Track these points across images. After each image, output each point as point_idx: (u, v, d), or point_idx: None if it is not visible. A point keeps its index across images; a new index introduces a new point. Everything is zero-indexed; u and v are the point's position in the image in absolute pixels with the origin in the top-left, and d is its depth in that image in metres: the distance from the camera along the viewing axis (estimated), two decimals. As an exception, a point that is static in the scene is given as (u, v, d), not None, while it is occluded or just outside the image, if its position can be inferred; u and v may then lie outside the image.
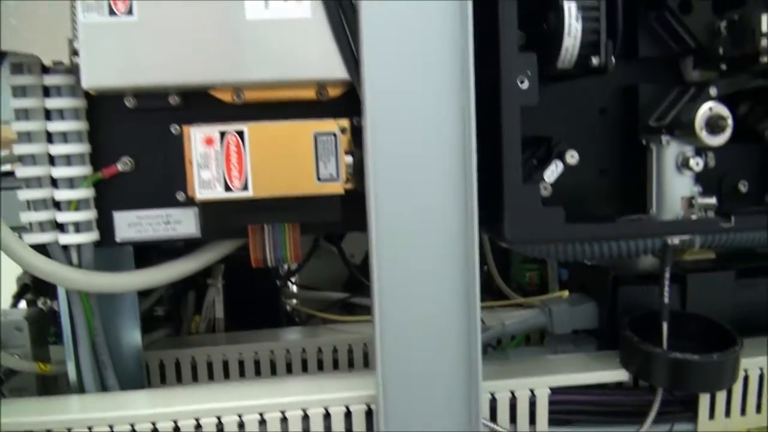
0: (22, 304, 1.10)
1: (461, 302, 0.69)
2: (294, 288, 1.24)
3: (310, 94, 0.75)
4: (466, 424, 0.71)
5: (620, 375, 0.80)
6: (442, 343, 0.69)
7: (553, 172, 0.72)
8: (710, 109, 0.73)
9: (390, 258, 0.69)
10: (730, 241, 0.90)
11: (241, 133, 0.70)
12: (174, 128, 0.75)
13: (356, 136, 0.72)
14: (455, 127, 0.66)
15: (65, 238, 0.76)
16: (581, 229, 0.71)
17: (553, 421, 0.79)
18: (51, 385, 0.95)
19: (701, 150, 0.77)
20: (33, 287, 1.09)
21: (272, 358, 0.99)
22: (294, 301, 1.19)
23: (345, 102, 0.75)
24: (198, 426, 0.74)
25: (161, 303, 1.07)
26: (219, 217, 0.73)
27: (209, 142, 0.70)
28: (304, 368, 1.00)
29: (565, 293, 0.97)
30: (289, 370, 1.00)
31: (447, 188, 0.67)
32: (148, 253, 0.88)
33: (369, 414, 0.75)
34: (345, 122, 0.72)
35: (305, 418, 0.75)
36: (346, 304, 1.15)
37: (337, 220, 0.73)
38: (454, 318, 0.69)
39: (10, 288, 1.11)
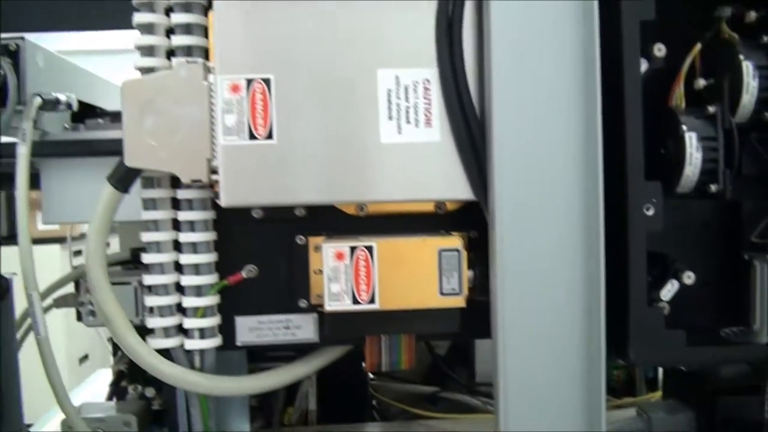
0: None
1: (584, 409, 0.70)
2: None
3: (429, 207, 0.79)
4: None
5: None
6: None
7: (669, 291, 0.74)
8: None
9: (515, 373, 0.71)
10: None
11: (370, 249, 0.73)
12: (299, 239, 0.79)
13: (473, 249, 0.76)
14: (583, 250, 0.69)
15: (190, 344, 0.79)
16: (702, 352, 0.73)
17: None
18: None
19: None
20: (128, 374, 1.12)
21: (368, 454, 1.01)
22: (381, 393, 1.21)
23: (461, 216, 0.79)
24: None
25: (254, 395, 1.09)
26: (343, 327, 0.76)
27: (340, 256, 0.73)
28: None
29: (657, 395, 0.98)
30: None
31: (573, 310, 0.69)
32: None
33: None
34: (464, 238, 0.76)
35: None
36: (433, 397, 1.17)
37: (456, 332, 0.76)
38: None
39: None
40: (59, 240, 3.33)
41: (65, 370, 2.04)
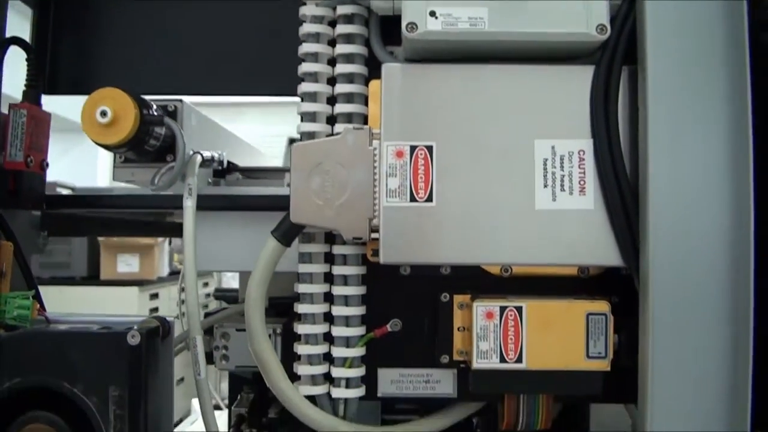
0: None
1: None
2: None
3: (572, 271, 0.82)
4: None
5: None
6: None
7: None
8: None
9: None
10: None
11: (519, 309, 0.77)
12: (444, 296, 0.83)
13: (615, 313, 0.78)
14: (730, 319, 0.71)
15: (337, 392, 0.83)
16: None
17: None
18: None
19: None
20: (248, 419, 1.16)
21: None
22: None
23: (603, 281, 0.82)
24: None
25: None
26: (488, 383, 0.79)
27: (490, 315, 0.77)
28: None
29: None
30: None
31: (719, 383, 0.71)
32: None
33: None
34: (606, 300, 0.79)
35: None
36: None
37: (597, 395, 0.78)
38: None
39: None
40: (138, 283, 3.45)
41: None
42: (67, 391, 0.76)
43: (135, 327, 0.76)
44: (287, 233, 0.81)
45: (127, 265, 3.50)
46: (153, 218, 1.26)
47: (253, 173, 1.14)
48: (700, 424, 0.72)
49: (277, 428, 1.16)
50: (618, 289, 0.81)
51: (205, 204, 0.91)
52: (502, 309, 0.77)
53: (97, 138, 0.84)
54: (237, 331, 0.93)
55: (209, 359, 0.97)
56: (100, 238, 3.37)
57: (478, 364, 0.77)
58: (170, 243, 3.73)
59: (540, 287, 0.81)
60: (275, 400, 1.17)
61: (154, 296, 3.63)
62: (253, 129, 3.67)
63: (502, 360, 0.77)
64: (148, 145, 0.88)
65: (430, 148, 0.77)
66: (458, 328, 0.82)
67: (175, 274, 3.69)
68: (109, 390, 0.75)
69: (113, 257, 3.49)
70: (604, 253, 0.77)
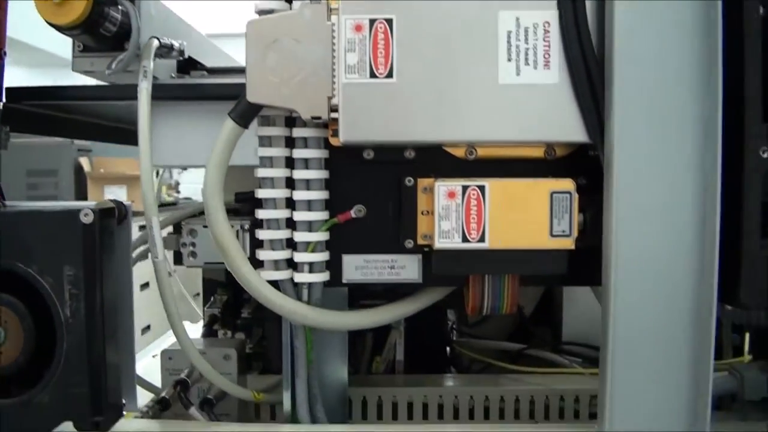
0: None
1: (692, 361, 0.71)
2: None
3: (538, 153, 0.80)
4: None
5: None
6: (671, 400, 0.72)
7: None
8: None
9: (623, 313, 0.72)
10: None
11: (482, 188, 0.75)
12: (408, 180, 0.81)
13: (582, 195, 0.77)
14: (699, 193, 0.69)
15: (300, 277, 0.82)
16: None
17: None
18: (246, 413, 1.01)
19: None
20: (221, 319, 1.16)
21: (455, 404, 1.03)
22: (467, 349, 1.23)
23: (570, 162, 0.80)
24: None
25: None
26: (451, 265, 0.78)
27: (451, 195, 0.75)
28: (486, 416, 1.04)
29: (747, 358, 0.98)
30: (470, 416, 1.04)
31: (686, 250, 0.70)
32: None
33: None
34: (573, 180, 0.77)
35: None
36: (516, 354, 1.18)
37: (562, 274, 0.77)
38: (684, 377, 0.71)
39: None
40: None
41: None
42: (23, 272, 0.75)
43: (88, 206, 0.74)
44: (244, 114, 0.79)
45: (114, 197, 3.47)
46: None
47: (220, 72, 1.11)
48: (663, 300, 0.71)
49: (251, 328, 1.16)
50: (585, 170, 0.79)
51: (164, 93, 0.89)
52: (464, 188, 0.75)
53: (50, 17, 0.81)
54: (204, 228, 0.92)
55: (178, 259, 0.96)
56: (87, 170, 3.34)
57: (440, 243, 0.76)
58: (158, 174, 3.71)
59: (506, 170, 0.79)
60: (249, 300, 1.17)
61: (142, 228, 3.61)
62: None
63: (465, 240, 0.75)
64: (104, 28, 0.85)
65: (390, 22, 0.74)
66: (422, 212, 0.80)
67: (163, 206, 3.67)
68: (63, 269, 0.74)
69: (100, 189, 3.47)
70: (569, 128, 0.75)
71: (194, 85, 0.95)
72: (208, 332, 1.15)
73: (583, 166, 0.79)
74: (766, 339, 1.00)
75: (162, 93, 0.89)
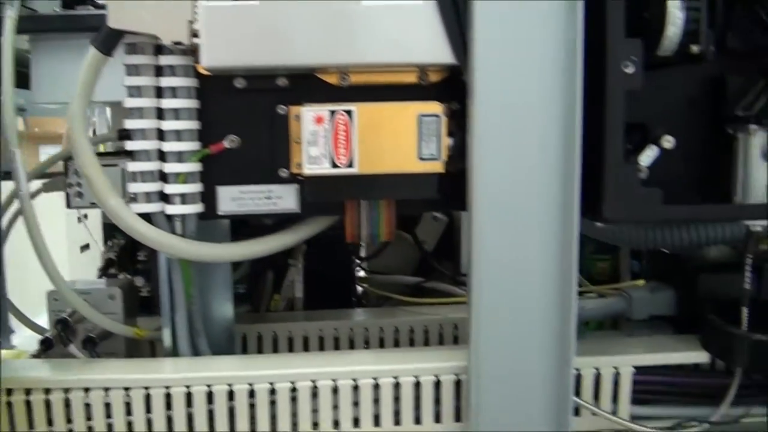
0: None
1: (557, 278, 0.72)
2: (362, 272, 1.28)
3: (411, 78, 0.78)
4: (556, 398, 0.74)
5: (701, 357, 0.83)
6: (536, 319, 0.72)
7: (648, 156, 0.75)
8: (798, 98, 0.75)
9: (488, 236, 0.72)
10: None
11: (349, 113, 0.74)
12: (281, 108, 0.79)
13: (454, 120, 0.76)
14: (561, 111, 0.69)
15: (171, 209, 0.80)
16: (677, 210, 0.74)
17: (633, 400, 0.82)
18: (138, 352, 0.99)
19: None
20: (117, 263, 1.14)
21: (351, 336, 1.03)
22: (368, 284, 1.23)
23: (445, 87, 0.79)
24: (294, 389, 0.78)
25: (242, 281, 1.11)
26: (322, 192, 0.77)
27: (319, 120, 0.74)
28: (382, 347, 1.04)
29: (641, 282, 0.99)
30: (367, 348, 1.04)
31: (550, 170, 0.70)
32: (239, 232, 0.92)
33: (457, 384, 0.78)
34: (446, 106, 0.76)
35: (396, 386, 0.78)
36: (420, 288, 1.18)
37: (434, 198, 0.77)
38: (550, 294, 0.72)
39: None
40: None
41: (66, 258, 2.07)
42: None
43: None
44: (106, 41, 0.76)
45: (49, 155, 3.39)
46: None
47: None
48: (526, 219, 0.71)
49: (149, 272, 1.14)
50: (459, 95, 0.78)
51: (43, 26, 0.86)
52: (332, 113, 0.74)
53: None
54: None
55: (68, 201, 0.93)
56: (21, 129, 3.24)
57: (308, 169, 0.74)
58: (94, 134, 3.63)
59: (380, 96, 0.77)
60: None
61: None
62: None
63: (334, 165, 0.74)
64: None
65: (247, -60, 0.72)
66: (295, 141, 0.78)
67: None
68: None
69: (35, 148, 3.38)
70: (437, 50, 0.74)
71: (73, 16, 0.91)
72: (105, 277, 1.12)
73: (457, 90, 0.78)
74: (656, 263, 1.02)
75: (40, 25, 0.85)
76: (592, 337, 0.93)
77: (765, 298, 0.88)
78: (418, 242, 1.20)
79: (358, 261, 1.24)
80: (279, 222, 0.88)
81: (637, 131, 0.77)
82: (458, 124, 0.76)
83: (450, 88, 0.78)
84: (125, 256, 1.15)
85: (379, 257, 1.24)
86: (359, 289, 1.23)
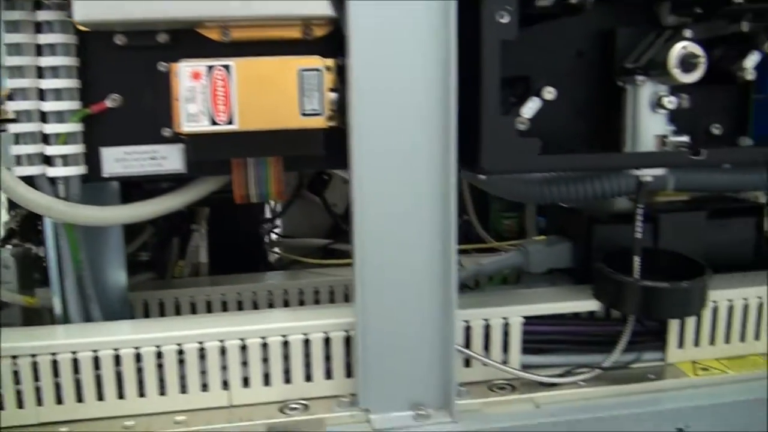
0: None
1: (438, 230, 0.71)
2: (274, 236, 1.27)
3: (295, 33, 0.77)
4: (440, 349, 0.74)
5: (592, 305, 0.84)
6: (418, 272, 0.72)
7: (530, 108, 0.74)
8: (684, 47, 0.75)
9: (370, 192, 0.71)
10: (701, 183, 0.94)
11: (227, 68, 0.72)
12: (162, 66, 0.77)
13: (341, 75, 0.75)
14: (437, 62, 0.68)
15: (53, 171, 0.77)
16: (554, 159, 0.74)
17: (527, 350, 0.83)
18: (35, 322, 0.97)
19: (675, 90, 0.80)
20: (19, 233, 1.11)
21: (255, 299, 1.02)
22: (277, 248, 1.22)
23: (330, 42, 0.77)
24: (180, 352, 0.76)
25: (146, 249, 1.08)
26: (204, 151, 0.75)
27: (196, 76, 0.72)
28: (287, 309, 1.03)
29: (543, 238, 1.00)
30: (272, 311, 1.03)
31: (427, 124, 0.69)
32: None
33: (348, 341, 0.78)
34: (330, 61, 0.74)
35: (285, 344, 0.77)
36: (329, 250, 1.18)
37: (319, 155, 0.75)
38: (431, 246, 0.72)
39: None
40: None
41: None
42: None
43: None
44: (-22, -5, 0.73)
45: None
46: None
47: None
48: (405, 174, 0.70)
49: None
50: (344, 50, 0.77)
51: None
52: (210, 68, 0.72)
53: None
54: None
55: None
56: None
57: (187, 127, 0.72)
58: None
59: (263, 51, 0.76)
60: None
61: None
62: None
63: (213, 123, 0.72)
64: None
65: None
66: (176, 99, 0.76)
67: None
68: None
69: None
70: (317, 3, 0.72)
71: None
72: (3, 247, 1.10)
73: (342, 45, 0.76)
74: (555, 217, 1.02)
75: None
76: (490, 291, 0.94)
77: (660, 248, 0.90)
78: (328, 205, 1.19)
79: (267, 225, 1.23)
80: (177, 184, 0.86)
81: (522, 84, 0.77)
82: (342, 79, 0.75)
83: (335, 42, 0.77)
84: (27, 225, 1.12)
85: (292, 222, 1.23)
86: (269, 252, 1.21)
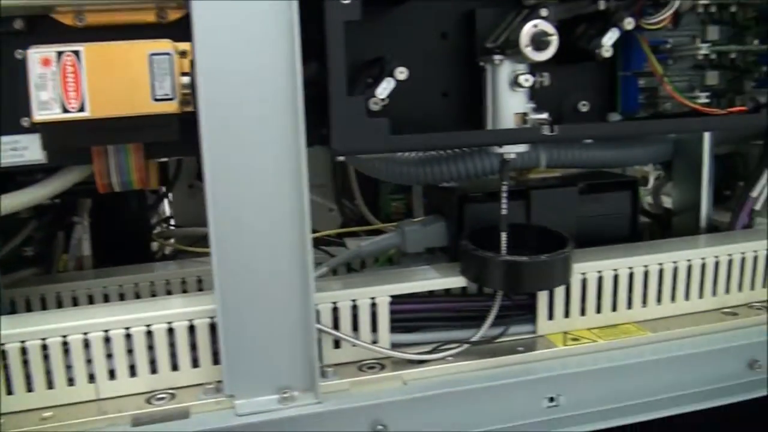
0: None
1: (292, 214, 0.71)
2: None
3: (150, 17, 0.76)
4: (301, 331, 0.74)
5: (459, 282, 0.85)
6: (275, 255, 0.72)
7: (385, 88, 0.75)
8: (535, 26, 0.76)
9: (222, 178, 0.70)
10: (573, 160, 0.96)
11: (77, 53, 0.71)
12: (18, 53, 0.75)
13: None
14: (282, 44, 0.68)
15: None
16: (407, 139, 0.74)
17: (398, 329, 0.83)
18: None
19: (537, 69, 0.81)
20: None
21: (137, 291, 1.01)
22: (164, 238, 1.21)
23: (184, 25, 0.76)
24: (44, 347, 0.75)
25: (30, 243, 1.06)
26: (60, 140, 0.74)
27: (46, 62, 0.71)
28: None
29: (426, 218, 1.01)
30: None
31: (275, 106, 0.69)
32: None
33: (213, 328, 0.77)
34: (185, 45, 0.74)
35: (149, 334, 0.77)
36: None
37: (174, 140, 0.75)
38: (286, 231, 0.71)
39: None
40: None
41: None
42: None
43: None
44: None
45: None
46: None
47: None
48: (256, 150, 0.70)
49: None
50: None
51: None
52: (59, 54, 0.71)
53: None
54: None
55: None
56: None
57: (39, 116, 0.71)
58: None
59: (118, 36, 0.74)
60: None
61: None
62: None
63: (65, 110, 0.71)
64: None
65: None
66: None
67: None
68: None
69: None
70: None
71: None
72: None
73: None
74: (432, 197, 1.04)
75: None
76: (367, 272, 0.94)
77: (528, 223, 0.92)
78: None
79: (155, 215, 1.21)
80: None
81: (377, 65, 0.77)
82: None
83: (190, 27, 0.76)
84: None
85: (184, 212, 1.22)
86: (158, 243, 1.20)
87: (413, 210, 1.12)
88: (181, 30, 0.76)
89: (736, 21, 0.92)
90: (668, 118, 0.89)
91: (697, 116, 0.87)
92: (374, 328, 0.82)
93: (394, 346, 0.82)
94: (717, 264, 0.95)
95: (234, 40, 0.68)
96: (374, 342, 0.81)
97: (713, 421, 0.92)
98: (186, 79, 0.73)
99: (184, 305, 0.78)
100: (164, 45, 0.72)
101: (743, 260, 0.96)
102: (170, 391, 0.78)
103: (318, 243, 1.12)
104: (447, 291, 0.86)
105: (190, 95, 0.73)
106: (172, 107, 0.73)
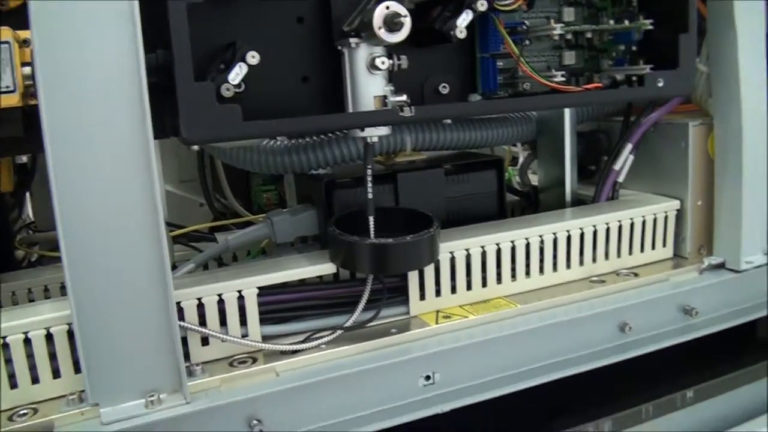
0: None
1: (145, 210, 0.68)
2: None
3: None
4: (162, 331, 0.71)
5: (328, 268, 0.84)
6: (128, 253, 0.68)
7: (237, 74, 0.73)
8: (387, 7, 0.76)
9: (68, 176, 0.66)
10: (438, 142, 0.97)
11: None
12: None
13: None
14: (123, 33, 0.65)
15: None
16: (260, 125, 0.72)
17: (270, 320, 0.82)
18: None
19: (394, 51, 0.81)
20: None
21: (14, 300, 0.97)
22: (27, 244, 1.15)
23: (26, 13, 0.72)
24: None
25: None
26: None
27: None
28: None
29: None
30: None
31: (119, 96, 0.65)
32: None
33: (72, 335, 0.72)
34: (24, 33, 0.70)
35: (5, 346, 0.72)
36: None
37: (19, 135, 0.71)
38: (138, 227, 0.68)
39: None
40: None
41: None
42: None
43: None
44: None
45: None
46: None
47: None
48: (103, 157, 0.67)
49: None
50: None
51: None
52: None
53: None
54: None
55: None
56: None
57: None
58: None
59: None
60: None
61: None
62: None
63: None
64: None
65: None
66: None
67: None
68: None
69: None
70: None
71: None
72: None
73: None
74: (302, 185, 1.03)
75: None
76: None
77: (395, 206, 0.92)
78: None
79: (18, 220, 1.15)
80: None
81: (230, 50, 0.75)
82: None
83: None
84: None
85: (50, 213, 1.16)
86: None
87: (286, 200, 1.10)
88: (22, 17, 0.72)
89: (592, 2, 0.95)
90: (525, 97, 0.91)
91: (554, 94, 0.89)
92: (243, 321, 0.80)
93: (267, 338, 0.81)
94: (582, 235, 0.98)
95: (73, 28, 0.64)
96: (244, 336, 0.80)
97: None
98: (28, 70, 0.69)
99: (39, 312, 0.74)
100: (3, 33, 0.68)
101: (608, 230, 1.00)
102: (32, 406, 0.73)
103: (188, 239, 1.09)
104: (320, 279, 0.85)
105: (33, 87, 0.69)
106: (13, 100, 0.69)
